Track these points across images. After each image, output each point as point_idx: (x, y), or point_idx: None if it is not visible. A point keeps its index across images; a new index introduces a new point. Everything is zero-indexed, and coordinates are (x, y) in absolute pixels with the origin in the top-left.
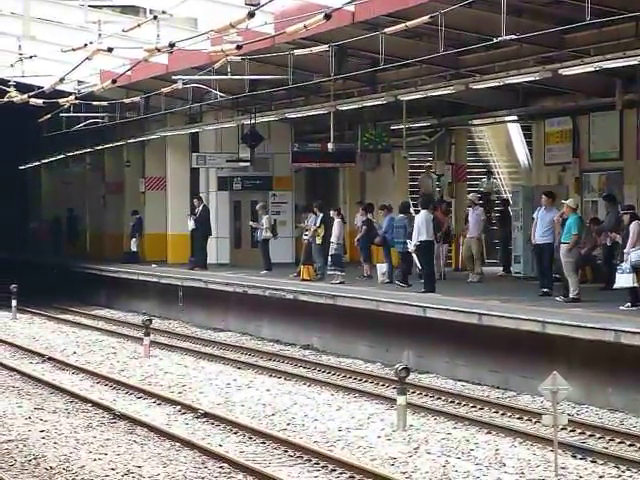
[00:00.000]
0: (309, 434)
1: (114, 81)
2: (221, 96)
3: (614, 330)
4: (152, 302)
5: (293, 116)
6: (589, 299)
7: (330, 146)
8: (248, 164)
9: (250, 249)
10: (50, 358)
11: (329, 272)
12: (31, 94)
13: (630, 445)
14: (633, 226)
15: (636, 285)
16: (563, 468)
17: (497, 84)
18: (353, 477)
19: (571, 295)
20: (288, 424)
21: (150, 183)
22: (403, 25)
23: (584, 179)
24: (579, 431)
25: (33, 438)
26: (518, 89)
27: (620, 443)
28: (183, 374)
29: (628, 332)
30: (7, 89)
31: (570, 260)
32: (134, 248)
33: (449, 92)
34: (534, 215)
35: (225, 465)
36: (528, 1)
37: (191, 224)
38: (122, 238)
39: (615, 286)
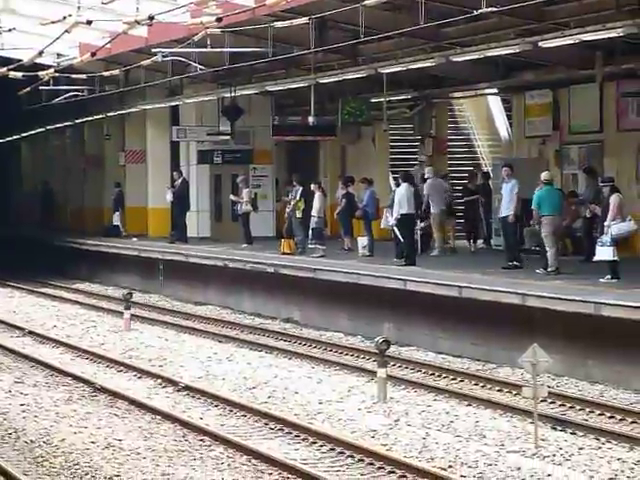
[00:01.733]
0: (290, 407)
1: (93, 54)
2: (201, 69)
3: (594, 302)
4: (132, 276)
5: (273, 89)
6: (569, 271)
7: (311, 119)
8: (228, 137)
9: (231, 223)
10: (30, 332)
11: (310, 246)
12: (10, 67)
13: (610, 417)
14: (613, 198)
15: (616, 258)
16: (543, 440)
17: (477, 57)
18: (334, 449)
19: (550, 268)
20: (269, 397)
21: (130, 156)
22: None
23: (564, 152)
24: (559, 403)
25: (13, 412)
26: (498, 62)
27: (600, 415)
28: (164, 347)
29: (608, 304)
30: None
31: (547, 232)
32: (116, 222)
33: (430, 65)
34: (502, 191)
35: (206, 438)
36: None
37: (169, 197)
38: (102, 211)
39: (595, 259)
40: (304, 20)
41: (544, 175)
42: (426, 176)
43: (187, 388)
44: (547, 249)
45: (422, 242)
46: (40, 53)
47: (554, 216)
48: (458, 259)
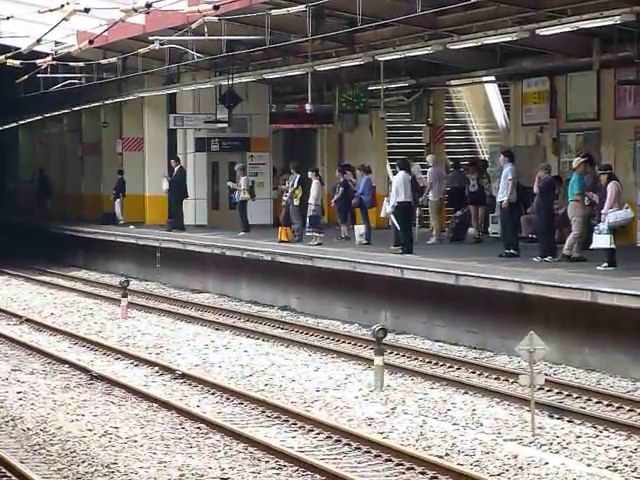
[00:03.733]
0: (287, 395)
1: (91, 42)
2: (198, 57)
3: (591, 290)
4: (130, 263)
5: (271, 77)
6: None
7: (308, 107)
8: (226, 125)
9: (228, 210)
10: (28, 319)
11: (307, 233)
12: (8, 55)
13: (607, 405)
14: (610, 186)
15: (613, 246)
16: (540, 428)
17: (475, 44)
18: (330, 437)
19: (574, 255)
20: (266, 385)
21: (127, 144)
22: None
23: (561, 139)
24: (556, 391)
25: (10, 399)
26: (496, 49)
27: (597, 403)
28: (161, 335)
29: (605, 292)
30: None
31: (576, 219)
32: (118, 210)
33: (427, 52)
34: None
35: (202, 426)
36: None
37: (165, 185)
38: (100, 199)
39: (592, 247)
40: (301, 8)
41: (574, 162)
42: (429, 163)
43: (184, 376)
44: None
45: (457, 231)
46: (38, 41)
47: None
48: (455, 247)
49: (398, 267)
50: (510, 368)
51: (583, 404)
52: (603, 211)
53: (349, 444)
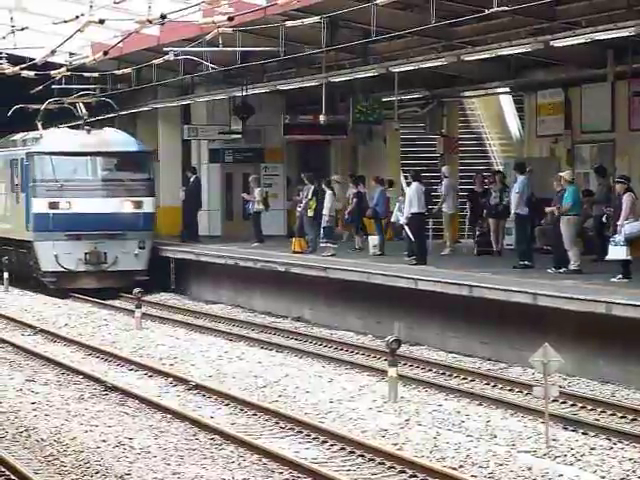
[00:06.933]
0: (300, 406)
1: (106, 53)
2: (212, 68)
3: (605, 302)
4: None
5: (285, 88)
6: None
7: (322, 118)
8: (239, 136)
9: (242, 221)
10: (42, 330)
11: (321, 244)
12: (23, 66)
13: (621, 417)
14: (626, 198)
15: (629, 258)
16: (554, 440)
17: (489, 56)
18: (344, 449)
19: (572, 267)
20: (279, 396)
21: None
22: None
23: (576, 151)
24: (570, 403)
25: (24, 410)
26: (510, 61)
27: (611, 415)
28: (175, 346)
29: (619, 304)
30: None
31: (569, 232)
32: None
33: (441, 64)
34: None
35: (216, 437)
36: None
37: (182, 195)
38: None
39: (608, 258)
40: (315, 19)
41: (566, 175)
42: (444, 174)
43: (198, 387)
44: (569, 249)
45: (480, 243)
46: (52, 52)
47: (579, 216)
48: (469, 258)
49: (412, 278)
50: (524, 380)
51: (597, 416)
52: (619, 223)
53: (363, 455)
